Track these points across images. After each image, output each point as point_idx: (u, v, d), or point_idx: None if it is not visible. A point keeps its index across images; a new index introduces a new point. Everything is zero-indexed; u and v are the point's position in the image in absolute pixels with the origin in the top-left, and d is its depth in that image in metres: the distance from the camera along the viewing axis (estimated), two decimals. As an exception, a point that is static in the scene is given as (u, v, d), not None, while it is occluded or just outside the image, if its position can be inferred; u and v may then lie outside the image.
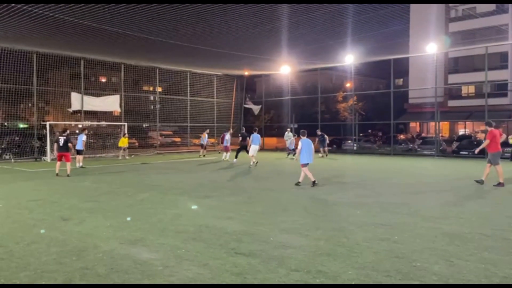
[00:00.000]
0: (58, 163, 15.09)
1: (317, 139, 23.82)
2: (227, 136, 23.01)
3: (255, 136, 18.96)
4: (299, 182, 12.09)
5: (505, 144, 24.18)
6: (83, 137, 18.39)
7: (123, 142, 23.61)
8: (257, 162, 18.64)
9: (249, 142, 18.99)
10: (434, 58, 26.25)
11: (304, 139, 12.08)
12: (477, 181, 12.36)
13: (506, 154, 21.22)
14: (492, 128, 12.24)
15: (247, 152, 19.15)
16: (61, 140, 14.81)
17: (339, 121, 41.66)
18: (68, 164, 15.03)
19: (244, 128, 23.45)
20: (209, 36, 20.03)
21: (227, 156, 22.20)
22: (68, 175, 14.67)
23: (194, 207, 8.84)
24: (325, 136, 25.02)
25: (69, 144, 15.01)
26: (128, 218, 6.99)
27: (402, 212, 8.19)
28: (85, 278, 4.58)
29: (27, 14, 15.11)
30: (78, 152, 18.34)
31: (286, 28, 18.37)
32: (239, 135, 21.99)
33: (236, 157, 20.85)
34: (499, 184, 11.87)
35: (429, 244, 5.85)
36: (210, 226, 6.95)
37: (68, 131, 16.06)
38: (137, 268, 4.90)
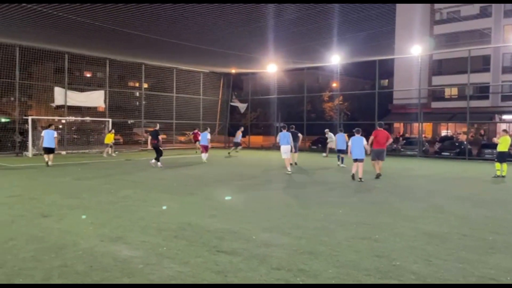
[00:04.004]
0: None
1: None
2: (209, 136, 20.42)
3: (283, 134, 15.66)
4: None
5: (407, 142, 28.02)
6: (54, 134, 17.00)
7: (109, 138, 23.22)
8: (290, 170, 15.16)
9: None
10: (419, 60, 26.56)
11: None
12: (376, 176, 13.71)
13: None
14: (377, 129, 14.25)
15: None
16: None
17: (324, 120, 41.90)
18: None
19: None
20: (196, 33, 19.91)
21: (205, 156, 19.82)
22: None
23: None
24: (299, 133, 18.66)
25: None
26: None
27: (383, 212, 8.29)
28: (64, 276, 4.52)
29: (12, 7, 14.82)
30: (50, 150, 16.86)
31: (273, 27, 18.36)
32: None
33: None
34: (378, 176, 13.60)
35: (409, 243, 5.93)
36: (193, 224, 6.93)
37: None
38: (117, 265, 4.86)
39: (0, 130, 23.48)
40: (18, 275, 4.54)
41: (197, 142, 26.16)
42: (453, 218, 7.78)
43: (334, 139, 20.71)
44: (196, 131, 27.14)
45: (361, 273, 4.70)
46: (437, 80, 41.94)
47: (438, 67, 42.63)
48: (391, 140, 15.30)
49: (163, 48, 23.28)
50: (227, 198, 9.81)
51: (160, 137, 17.13)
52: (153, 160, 16.78)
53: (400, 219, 7.62)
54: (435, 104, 42.26)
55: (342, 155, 18.19)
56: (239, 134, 25.73)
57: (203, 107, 33.36)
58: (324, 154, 24.11)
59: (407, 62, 35.42)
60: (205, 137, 20.35)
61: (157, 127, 17.62)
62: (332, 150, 22.85)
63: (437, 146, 28.39)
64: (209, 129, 21.29)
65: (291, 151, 15.76)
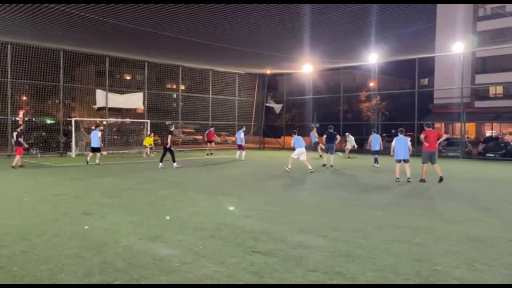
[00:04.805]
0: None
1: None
2: (242, 135, 21.48)
3: (297, 138, 16.39)
4: None
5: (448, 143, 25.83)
6: (98, 134, 18.08)
7: (148, 141, 23.90)
8: (312, 170, 15.46)
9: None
10: (461, 58, 25.59)
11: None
12: (420, 180, 12.99)
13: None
14: (426, 129, 13.35)
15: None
16: (14, 135, 16.45)
17: (362, 120, 41.16)
18: (17, 157, 16.28)
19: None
20: (232, 35, 20.06)
21: (242, 155, 21.21)
22: (12, 166, 15.94)
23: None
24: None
25: (20, 139, 16.40)
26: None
27: (424, 214, 8.02)
28: (104, 272, 4.65)
29: (55, 12, 15.47)
30: (96, 149, 18.12)
31: (309, 27, 18.21)
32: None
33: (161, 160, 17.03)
34: (421, 180, 12.87)
35: (451, 248, 5.71)
36: (229, 224, 6.97)
37: (21, 128, 17.17)
38: (155, 264, 4.95)
39: (46, 131, 24.60)
40: (61, 271, 4.71)
41: (212, 143, 25.78)
42: (499, 222, 7.43)
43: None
44: (211, 129, 25.74)
45: (400, 277, 4.56)
46: (481, 79, 40.26)
47: (482, 65, 40.93)
48: (445, 136, 14.19)
49: (200, 50, 23.61)
50: (258, 199, 9.80)
51: (169, 137, 16.77)
52: (175, 164, 16.66)
53: (442, 222, 7.35)
54: (478, 104, 40.58)
55: (376, 156, 18.16)
56: (314, 134, 23.99)
57: (239, 108, 33.58)
58: (340, 154, 23.65)
59: (448, 60, 34.19)
60: (239, 136, 20.77)
61: (172, 128, 17.81)
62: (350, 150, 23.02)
63: (481, 147, 27.22)
64: (244, 128, 21.57)
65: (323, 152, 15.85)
